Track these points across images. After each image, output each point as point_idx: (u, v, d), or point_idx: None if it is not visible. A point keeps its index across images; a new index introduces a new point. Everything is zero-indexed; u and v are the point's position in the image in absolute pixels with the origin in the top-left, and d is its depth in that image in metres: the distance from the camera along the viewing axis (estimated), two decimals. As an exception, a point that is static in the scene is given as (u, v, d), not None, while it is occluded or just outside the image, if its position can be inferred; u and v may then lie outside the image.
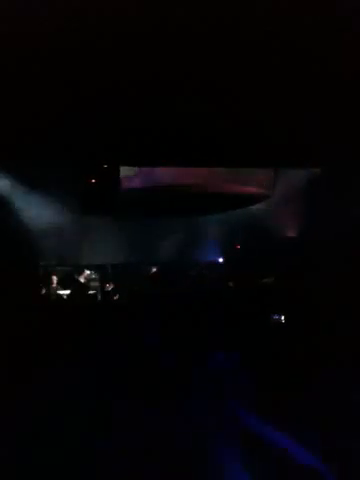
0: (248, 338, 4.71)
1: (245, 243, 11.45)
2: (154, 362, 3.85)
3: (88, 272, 10.36)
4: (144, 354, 4.04)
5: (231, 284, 8.98)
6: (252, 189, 10.29)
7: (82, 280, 8.93)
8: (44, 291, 7.77)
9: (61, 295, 8.11)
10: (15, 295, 5.65)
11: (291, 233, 11.20)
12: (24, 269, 7.13)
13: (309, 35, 3.65)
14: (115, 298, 7.94)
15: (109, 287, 8.92)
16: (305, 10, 3.29)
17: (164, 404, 2.99)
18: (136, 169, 9.51)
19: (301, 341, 4.76)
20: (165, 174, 9.56)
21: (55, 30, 3.42)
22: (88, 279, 9.87)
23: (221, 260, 12.16)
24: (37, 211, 9.09)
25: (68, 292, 8.15)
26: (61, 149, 6.38)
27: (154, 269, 10.67)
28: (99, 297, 8.90)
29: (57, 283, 8.47)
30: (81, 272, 9.75)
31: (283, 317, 6.00)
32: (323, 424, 2.83)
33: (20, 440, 2.69)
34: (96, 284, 9.61)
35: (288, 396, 3.32)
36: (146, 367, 3.66)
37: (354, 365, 3.68)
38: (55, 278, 8.57)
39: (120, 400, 3.10)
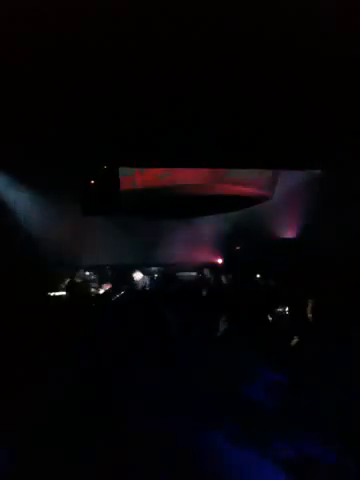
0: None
1: (245, 244, 11.45)
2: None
3: (87, 273, 10.35)
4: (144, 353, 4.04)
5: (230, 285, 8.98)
6: (252, 190, 10.31)
7: (79, 280, 8.94)
8: (46, 291, 7.77)
9: (62, 295, 8.09)
10: (18, 295, 5.66)
11: (291, 234, 11.20)
12: (26, 270, 7.14)
13: (310, 36, 3.66)
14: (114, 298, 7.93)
15: (107, 287, 8.89)
16: (306, 11, 3.30)
17: (166, 403, 2.98)
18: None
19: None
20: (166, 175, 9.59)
21: (55, 30, 3.43)
22: (87, 280, 9.85)
23: (221, 261, 12.17)
24: (38, 212, 9.10)
25: (68, 293, 8.14)
26: (61, 149, 6.39)
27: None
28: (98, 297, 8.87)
29: (57, 284, 8.47)
30: (80, 273, 9.75)
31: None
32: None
33: (19, 439, 2.69)
34: (95, 285, 9.58)
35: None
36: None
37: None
38: (56, 279, 8.56)
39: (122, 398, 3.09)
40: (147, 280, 9.47)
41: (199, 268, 10.83)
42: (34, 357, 3.80)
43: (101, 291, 8.64)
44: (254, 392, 3.31)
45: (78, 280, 9.21)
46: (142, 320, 5.32)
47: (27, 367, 3.61)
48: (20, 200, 8.80)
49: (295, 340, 4.84)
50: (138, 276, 9.44)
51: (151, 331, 4.85)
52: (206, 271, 10.02)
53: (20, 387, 3.29)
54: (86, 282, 9.45)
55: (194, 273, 10.68)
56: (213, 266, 11.37)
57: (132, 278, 9.39)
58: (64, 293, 7.83)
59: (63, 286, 8.28)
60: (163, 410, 2.90)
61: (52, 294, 7.71)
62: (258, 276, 9.48)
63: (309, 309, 5.97)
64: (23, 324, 4.36)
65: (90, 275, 10.51)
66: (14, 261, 7.14)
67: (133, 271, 9.77)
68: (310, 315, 5.93)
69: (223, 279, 9.06)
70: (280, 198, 10.49)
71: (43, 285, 6.97)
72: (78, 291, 7.94)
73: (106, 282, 9.21)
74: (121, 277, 9.63)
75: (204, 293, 7.61)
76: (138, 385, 3.33)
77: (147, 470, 2.35)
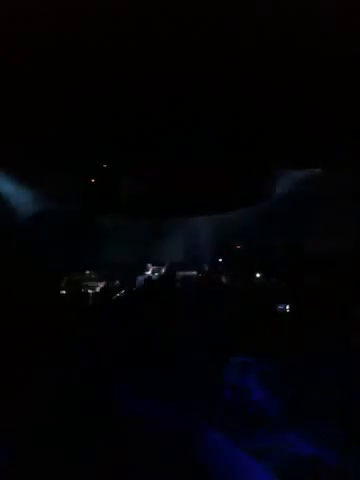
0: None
1: (245, 243, 11.43)
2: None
3: (87, 272, 10.35)
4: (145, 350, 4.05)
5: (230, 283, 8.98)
6: (252, 189, 10.29)
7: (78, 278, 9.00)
8: (45, 291, 7.74)
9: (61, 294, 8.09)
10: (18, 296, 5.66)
11: (291, 234, 11.18)
12: (26, 270, 7.14)
13: (310, 36, 3.65)
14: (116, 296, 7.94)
15: (110, 285, 8.91)
16: (306, 11, 3.30)
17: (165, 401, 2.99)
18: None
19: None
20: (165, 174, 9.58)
21: (55, 30, 3.42)
22: (85, 278, 9.86)
23: (220, 260, 12.13)
24: (38, 212, 9.10)
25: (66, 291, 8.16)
26: (61, 149, 6.39)
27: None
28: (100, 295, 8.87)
29: (57, 283, 8.45)
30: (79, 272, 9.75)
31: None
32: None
33: (19, 439, 2.69)
34: (96, 284, 9.59)
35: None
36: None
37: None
38: (55, 278, 8.55)
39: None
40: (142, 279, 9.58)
41: (199, 267, 10.82)
42: (34, 357, 3.80)
43: (98, 289, 8.65)
44: (254, 391, 3.31)
45: (76, 278, 9.23)
46: (141, 319, 5.32)
47: (27, 367, 3.61)
48: (20, 200, 8.79)
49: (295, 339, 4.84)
50: (148, 270, 9.77)
51: (151, 330, 4.85)
52: (206, 270, 10.04)
53: (20, 387, 3.29)
54: (85, 280, 9.45)
55: (194, 272, 10.65)
56: (213, 265, 11.35)
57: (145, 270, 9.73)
58: (63, 292, 7.84)
59: (62, 284, 8.29)
60: (163, 410, 2.90)
61: (52, 293, 7.71)
62: (258, 275, 9.47)
63: (309, 308, 5.98)
64: (23, 324, 4.36)
65: (90, 274, 10.51)
66: (14, 261, 7.13)
67: (145, 266, 10.07)
68: (310, 314, 5.94)
69: (223, 278, 9.07)
70: (280, 198, 10.47)
71: (43, 285, 6.97)
72: (75, 289, 7.94)
73: (105, 280, 9.23)
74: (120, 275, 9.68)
75: (204, 292, 7.61)
76: (138, 384, 3.34)
77: (147, 470, 2.36)
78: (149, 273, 10.04)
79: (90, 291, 8.56)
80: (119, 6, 3.17)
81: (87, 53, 3.81)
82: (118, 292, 8.28)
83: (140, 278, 9.69)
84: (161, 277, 9.87)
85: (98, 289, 8.77)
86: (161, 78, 4.37)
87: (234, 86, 4.60)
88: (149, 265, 10.23)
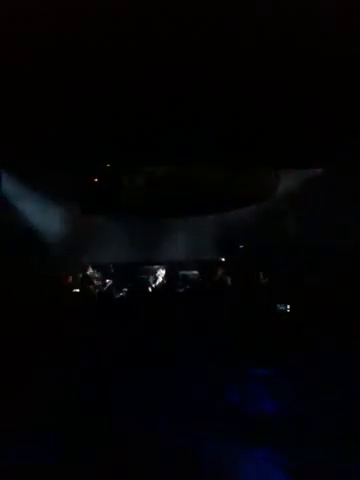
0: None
1: (247, 243, 11.44)
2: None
3: (91, 271, 10.39)
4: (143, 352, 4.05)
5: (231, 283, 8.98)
6: (252, 189, 10.29)
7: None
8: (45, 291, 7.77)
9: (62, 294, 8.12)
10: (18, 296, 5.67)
11: (291, 234, 11.19)
12: (26, 270, 7.16)
13: (310, 36, 3.65)
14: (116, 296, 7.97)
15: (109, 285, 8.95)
16: (306, 11, 3.29)
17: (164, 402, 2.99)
18: None
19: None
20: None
21: (55, 30, 3.42)
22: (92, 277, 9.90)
23: (223, 260, 12.13)
24: (38, 211, 9.12)
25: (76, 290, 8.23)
26: (61, 149, 6.39)
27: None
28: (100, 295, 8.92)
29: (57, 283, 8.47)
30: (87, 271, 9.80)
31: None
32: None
33: (19, 439, 2.69)
34: (98, 283, 9.63)
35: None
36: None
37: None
38: (56, 279, 8.57)
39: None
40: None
41: (201, 267, 10.82)
42: (34, 357, 3.81)
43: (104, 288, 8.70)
44: (253, 392, 3.31)
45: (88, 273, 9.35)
46: (143, 319, 5.33)
47: (27, 367, 3.62)
48: (20, 200, 8.80)
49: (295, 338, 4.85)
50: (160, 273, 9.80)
51: (152, 330, 4.86)
52: (208, 270, 10.04)
53: (20, 387, 3.29)
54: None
55: (196, 272, 10.67)
56: (215, 265, 11.36)
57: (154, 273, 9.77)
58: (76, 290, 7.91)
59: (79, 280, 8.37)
60: (163, 410, 2.90)
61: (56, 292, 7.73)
62: (260, 275, 9.48)
63: (309, 308, 5.99)
64: (24, 324, 4.37)
65: (94, 273, 10.56)
66: (14, 261, 7.14)
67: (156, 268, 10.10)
68: (311, 314, 5.95)
69: (226, 278, 9.08)
70: (280, 198, 10.48)
71: (42, 285, 6.98)
72: (88, 284, 8.01)
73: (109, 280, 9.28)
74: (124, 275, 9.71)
75: (206, 292, 7.62)
76: (138, 385, 3.34)
77: (147, 470, 2.36)
78: (158, 275, 10.01)
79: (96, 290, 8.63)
80: (119, 6, 3.16)
81: (87, 53, 3.81)
82: (121, 292, 8.33)
83: (147, 278, 9.74)
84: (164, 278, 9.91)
85: (105, 288, 8.84)
86: (161, 78, 4.36)
87: (234, 86, 4.59)
88: (159, 268, 10.20)
